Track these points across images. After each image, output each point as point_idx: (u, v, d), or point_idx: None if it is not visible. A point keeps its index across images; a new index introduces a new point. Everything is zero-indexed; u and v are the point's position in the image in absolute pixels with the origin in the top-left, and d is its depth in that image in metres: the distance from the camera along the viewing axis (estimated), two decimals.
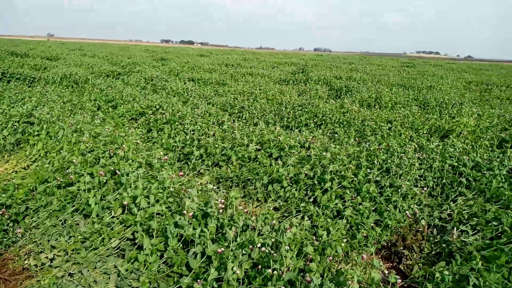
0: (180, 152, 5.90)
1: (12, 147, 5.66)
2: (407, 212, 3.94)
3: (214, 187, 4.22)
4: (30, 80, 12.40)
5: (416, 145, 5.86)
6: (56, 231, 3.41)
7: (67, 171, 4.14)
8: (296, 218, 3.95)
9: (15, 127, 6.05)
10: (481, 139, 6.38)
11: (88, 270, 2.96)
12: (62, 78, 12.45)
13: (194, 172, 5.52)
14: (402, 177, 4.58)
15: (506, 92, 14.23)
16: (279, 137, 5.81)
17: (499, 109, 9.42)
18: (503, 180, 4.62)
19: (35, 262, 3.04)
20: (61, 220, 3.56)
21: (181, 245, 3.18)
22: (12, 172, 4.91)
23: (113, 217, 3.49)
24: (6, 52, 23.06)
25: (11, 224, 3.51)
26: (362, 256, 2.93)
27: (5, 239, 3.30)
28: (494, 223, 3.57)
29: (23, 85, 11.33)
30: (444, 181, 4.86)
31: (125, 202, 3.47)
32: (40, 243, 3.26)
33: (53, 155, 5.05)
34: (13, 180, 4.16)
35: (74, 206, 3.68)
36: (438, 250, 3.50)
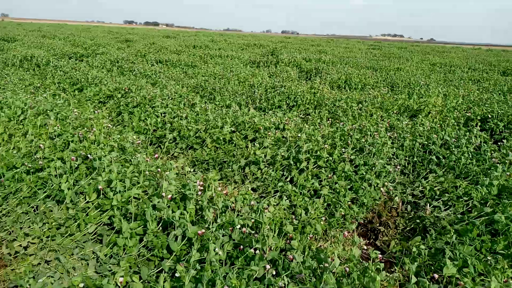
0: (152, 135, 5.78)
1: None
2: (381, 189, 4.04)
3: (191, 170, 4.17)
4: None
5: (387, 125, 6.00)
6: (28, 218, 3.27)
7: (35, 156, 3.96)
8: (274, 198, 3.97)
9: None
10: (448, 118, 6.60)
11: (65, 257, 2.86)
12: (22, 61, 11.85)
13: (168, 155, 5.43)
14: (375, 156, 4.68)
15: (469, 73, 14.75)
16: (253, 118, 5.79)
17: (463, 90, 9.76)
18: (471, 157, 4.81)
19: (8, 250, 2.91)
20: (32, 207, 3.42)
21: (160, 228, 3.13)
22: None
23: (87, 202, 3.38)
24: None
25: None
26: (343, 233, 2.98)
27: None
28: (465, 198, 3.73)
29: None
30: (415, 159, 5.00)
31: (100, 187, 3.36)
32: (12, 231, 3.12)
33: (18, 139, 4.81)
34: None
35: (45, 192, 3.53)
36: (412, 226, 3.62)
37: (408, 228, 3.66)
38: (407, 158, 5.07)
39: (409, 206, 3.98)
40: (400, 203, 4.00)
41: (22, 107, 5.44)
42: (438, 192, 4.07)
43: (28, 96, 6.52)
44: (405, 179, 4.62)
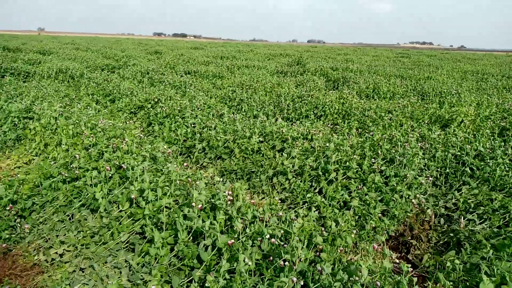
0: (182, 146, 5.88)
1: (13, 143, 5.61)
2: (413, 201, 3.96)
3: (220, 180, 4.21)
4: (24, 75, 12.25)
5: (418, 135, 5.88)
6: (64, 226, 3.38)
7: (71, 165, 4.11)
8: (303, 209, 3.96)
9: (14, 122, 5.99)
10: (482, 128, 6.40)
11: (99, 265, 2.94)
12: (57, 73, 12.33)
13: (197, 165, 5.50)
14: (406, 167, 4.59)
15: (502, 81, 14.29)
16: (282, 129, 5.80)
17: (497, 98, 9.45)
18: (507, 169, 4.65)
19: (45, 257, 3.02)
20: (68, 215, 3.54)
21: (191, 238, 3.17)
22: (14, 167, 4.86)
23: (120, 211, 3.47)
24: None
25: (18, 220, 3.48)
26: (373, 246, 2.94)
27: (13, 235, 3.28)
28: (501, 211, 3.60)
29: (18, 80, 11.21)
30: (447, 170, 4.88)
31: (132, 196, 3.45)
32: (49, 239, 3.24)
33: (53, 148, 5.01)
34: (18, 176, 4.12)
35: (81, 201, 3.65)
36: (446, 240, 3.53)
37: (441, 242, 3.56)
38: (439, 170, 4.95)
39: (442, 219, 3.87)
40: (433, 216, 3.90)
41: (57, 117, 5.66)
42: (472, 205, 3.95)
43: (63, 106, 6.78)
44: (437, 191, 4.50)
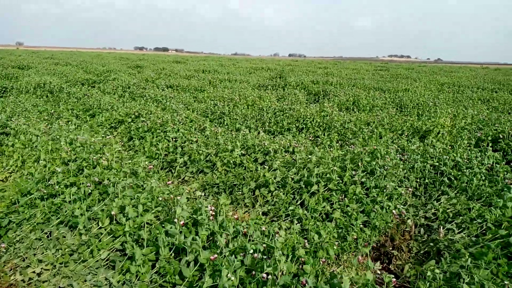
0: (163, 160, 5.84)
1: None
2: (394, 212, 4.01)
3: (202, 194, 4.19)
4: (1, 90, 12.02)
5: (397, 146, 5.99)
6: (42, 245, 3.30)
7: (49, 182, 4.02)
8: (285, 221, 3.96)
9: None
10: (459, 139, 6.57)
11: (78, 283, 2.87)
12: (36, 88, 12.13)
13: (179, 179, 5.46)
14: (386, 178, 4.66)
15: (477, 93, 14.73)
16: (264, 142, 5.82)
17: (473, 110, 9.73)
18: (483, 178, 4.77)
19: (22, 277, 2.93)
20: (46, 233, 3.45)
21: (173, 254, 3.13)
22: None
23: (100, 228, 3.41)
24: None
25: None
26: (357, 258, 2.96)
27: None
28: (479, 220, 3.68)
29: None
30: (426, 180, 4.97)
31: (113, 212, 3.39)
32: (26, 257, 3.15)
33: (30, 164, 4.91)
34: None
35: (59, 218, 3.57)
36: (426, 249, 3.57)
37: (421, 252, 3.61)
38: (418, 180, 5.04)
39: (422, 229, 3.93)
40: (413, 226, 3.96)
41: (36, 133, 5.55)
42: (451, 215, 4.03)
43: (42, 122, 6.66)
44: (417, 202, 4.58)
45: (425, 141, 6.58)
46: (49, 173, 4.36)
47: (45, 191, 3.87)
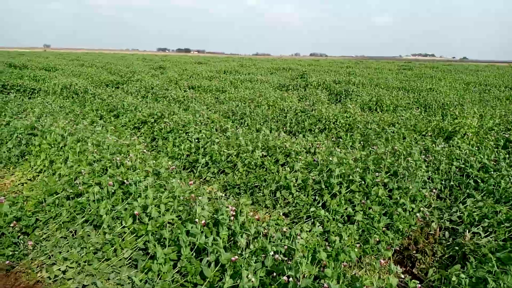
0: (186, 160, 5.89)
1: (17, 159, 5.65)
2: (417, 214, 3.93)
3: (223, 195, 4.21)
4: (30, 92, 12.40)
5: (421, 147, 5.87)
6: (67, 243, 3.39)
7: (75, 181, 4.12)
8: (307, 223, 3.94)
9: (19, 139, 6.03)
10: (486, 140, 6.38)
11: (102, 282, 2.93)
12: (62, 89, 12.45)
13: (201, 180, 5.51)
14: (410, 180, 4.57)
15: (505, 92, 14.28)
16: (285, 143, 5.80)
17: (500, 109, 9.44)
18: (511, 181, 4.62)
19: (48, 274, 3.02)
20: (71, 232, 3.55)
21: (194, 254, 3.16)
22: (19, 184, 4.89)
23: (124, 227, 3.47)
24: (4, 64, 23.11)
25: (21, 237, 3.49)
26: (380, 261, 2.91)
27: (16, 252, 3.28)
28: (506, 224, 3.57)
29: (24, 96, 11.34)
30: (451, 183, 4.86)
31: (135, 212, 3.45)
32: (52, 255, 3.24)
33: (59, 165, 5.04)
34: (22, 192, 4.15)
35: (84, 217, 3.66)
36: (451, 253, 3.49)
37: (446, 256, 3.52)
38: (443, 182, 4.92)
39: (447, 232, 3.84)
40: (438, 229, 3.87)
41: (63, 134, 5.70)
42: (477, 218, 3.92)
43: (68, 123, 6.83)
44: (442, 204, 4.47)
45: (451, 142, 6.43)
46: (75, 173, 4.48)
47: (71, 191, 3.97)
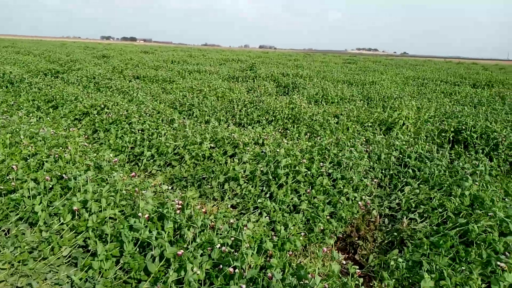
0: (130, 153, 5.70)
1: None
2: (359, 203, 4.09)
3: (169, 188, 4.13)
4: None
5: (363, 138, 6.10)
6: None
7: (8, 177, 3.85)
8: (254, 214, 3.96)
9: None
10: (422, 131, 6.76)
11: (38, 282, 2.77)
12: None
13: (146, 173, 5.36)
14: (352, 170, 4.74)
15: (441, 86, 15.21)
16: (233, 134, 5.79)
17: (436, 102, 10.04)
18: (444, 169, 4.93)
19: None
20: (4, 230, 3.31)
21: (138, 249, 3.07)
22: None
23: (62, 224, 3.29)
24: None
25: None
26: (323, 249, 3.00)
27: None
28: (440, 209, 3.80)
29: None
30: (391, 172, 5.09)
31: (74, 208, 3.29)
32: None
33: None
34: None
35: (18, 214, 3.43)
36: (390, 239, 3.67)
37: (386, 242, 3.70)
38: (383, 171, 5.15)
39: (386, 219, 4.03)
40: (378, 217, 4.06)
41: None
42: (414, 204, 4.15)
43: (0, 114, 6.36)
44: (382, 192, 4.68)
45: (391, 133, 6.75)
46: (7, 168, 4.17)
47: (2, 187, 3.70)
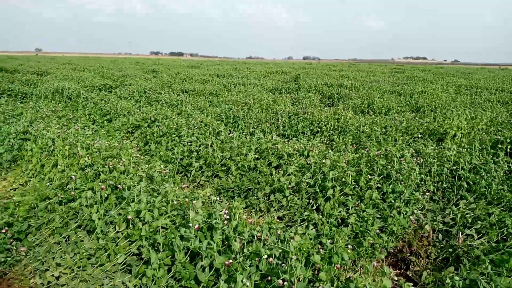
0: (179, 164, 5.88)
1: (9, 164, 5.60)
2: (411, 217, 3.96)
3: (217, 198, 4.20)
4: (21, 96, 12.29)
5: (413, 150, 5.91)
6: (60, 248, 3.35)
7: (67, 186, 4.09)
8: (301, 227, 3.94)
9: (11, 144, 5.98)
10: (476, 141, 6.44)
11: (95, 287, 2.91)
12: (54, 93, 12.37)
13: (194, 183, 5.49)
14: (403, 183, 4.60)
15: (496, 94, 14.43)
16: (277, 145, 5.82)
17: (491, 112, 9.54)
18: (502, 182, 4.66)
19: (41, 280, 2.99)
20: (64, 237, 3.51)
21: (188, 259, 3.14)
22: (10, 189, 4.84)
23: (117, 232, 3.45)
24: None
25: (14, 243, 3.45)
26: (373, 264, 2.92)
27: (9, 258, 3.24)
28: (499, 225, 3.60)
29: (15, 101, 11.25)
30: (444, 185, 4.89)
31: (129, 217, 3.43)
32: (45, 261, 3.21)
33: (49, 169, 5.00)
34: (13, 198, 4.10)
35: (77, 222, 3.63)
36: (445, 255, 3.51)
37: (440, 258, 3.54)
38: (435, 184, 4.95)
39: (440, 234, 3.86)
40: (431, 232, 3.90)
41: (53, 138, 5.66)
42: (470, 220, 3.95)
43: (60, 127, 6.79)
44: (435, 206, 4.50)
45: (442, 144, 6.48)
46: (67, 178, 4.44)
47: (63, 196, 3.94)
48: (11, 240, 3.47)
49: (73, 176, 4.24)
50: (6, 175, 5.33)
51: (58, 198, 3.93)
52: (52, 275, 3.06)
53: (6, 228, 3.50)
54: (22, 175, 5.24)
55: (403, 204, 4.17)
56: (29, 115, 7.84)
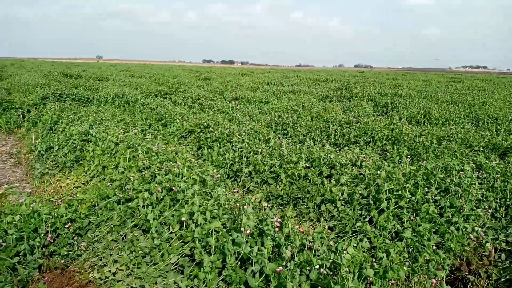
0: (230, 169, 5.97)
1: (72, 164, 5.96)
2: (470, 234, 3.74)
3: (267, 205, 4.22)
4: (84, 100, 13.07)
5: (473, 164, 5.60)
6: (117, 246, 3.51)
7: (125, 187, 4.29)
8: (354, 238, 3.85)
9: (74, 145, 6.37)
10: None
11: (149, 285, 3.01)
12: (114, 98, 13.03)
13: (244, 189, 5.55)
14: (462, 197, 4.37)
15: None
16: (329, 154, 5.74)
17: None
18: None
19: (99, 275, 3.14)
20: (121, 235, 3.68)
21: (238, 263, 3.17)
22: (73, 187, 5.15)
23: (171, 232, 3.56)
24: (61, 74, 24.56)
25: (75, 238, 3.66)
26: (431, 281, 2.79)
27: (71, 252, 3.45)
28: None
29: (78, 105, 11.98)
30: (507, 202, 4.58)
31: (183, 219, 3.53)
32: (103, 257, 3.37)
33: (110, 170, 5.26)
34: (77, 196, 4.36)
35: (133, 221, 3.79)
36: (508, 277, 3.28)
37: (502, 279, 3.32)
38: (498, 201, 4.65)
39: (503, 254, 3.62)
40: (493, 251, 3.66)
41: (115, 141, 5.97)
42: None
43: (120, 131, 7.13)
44: (497, 224, 4.23)
45: (506, 158, 6.09)
46: (125, 179, 4.66)
47: (121, 196, 4.13)
48: (73, 235, 3.69)
49: (131, 177, 4.44)
50: (70, 174, 5.68)
51: (117, 197, 4.13)
52: (109, 271, 3.21)
53: (70, 223, 3.72)
54: (84, 175, 5.56)
55: (462, 220, 3.95)
56: (91, 118, 8.32)
